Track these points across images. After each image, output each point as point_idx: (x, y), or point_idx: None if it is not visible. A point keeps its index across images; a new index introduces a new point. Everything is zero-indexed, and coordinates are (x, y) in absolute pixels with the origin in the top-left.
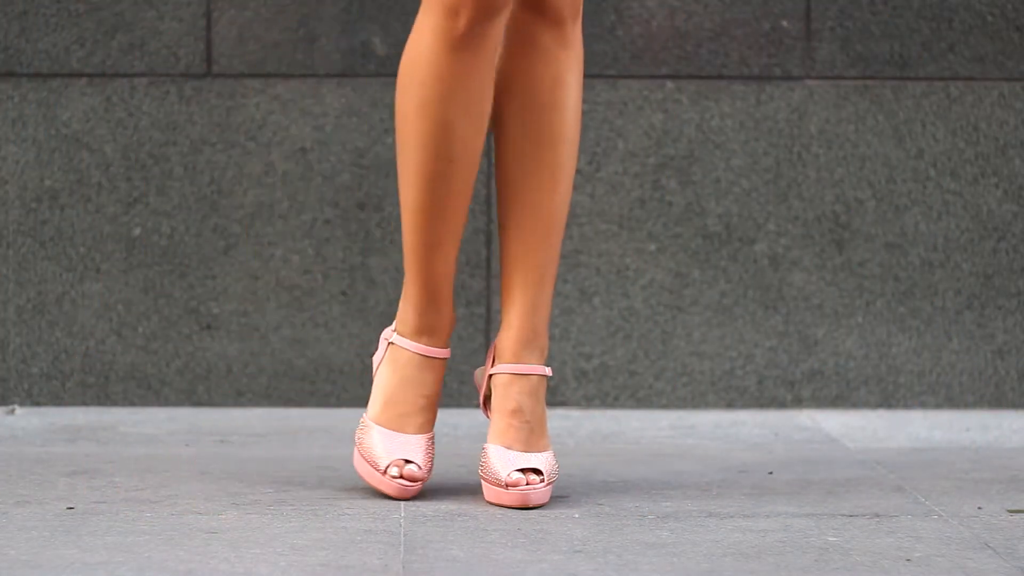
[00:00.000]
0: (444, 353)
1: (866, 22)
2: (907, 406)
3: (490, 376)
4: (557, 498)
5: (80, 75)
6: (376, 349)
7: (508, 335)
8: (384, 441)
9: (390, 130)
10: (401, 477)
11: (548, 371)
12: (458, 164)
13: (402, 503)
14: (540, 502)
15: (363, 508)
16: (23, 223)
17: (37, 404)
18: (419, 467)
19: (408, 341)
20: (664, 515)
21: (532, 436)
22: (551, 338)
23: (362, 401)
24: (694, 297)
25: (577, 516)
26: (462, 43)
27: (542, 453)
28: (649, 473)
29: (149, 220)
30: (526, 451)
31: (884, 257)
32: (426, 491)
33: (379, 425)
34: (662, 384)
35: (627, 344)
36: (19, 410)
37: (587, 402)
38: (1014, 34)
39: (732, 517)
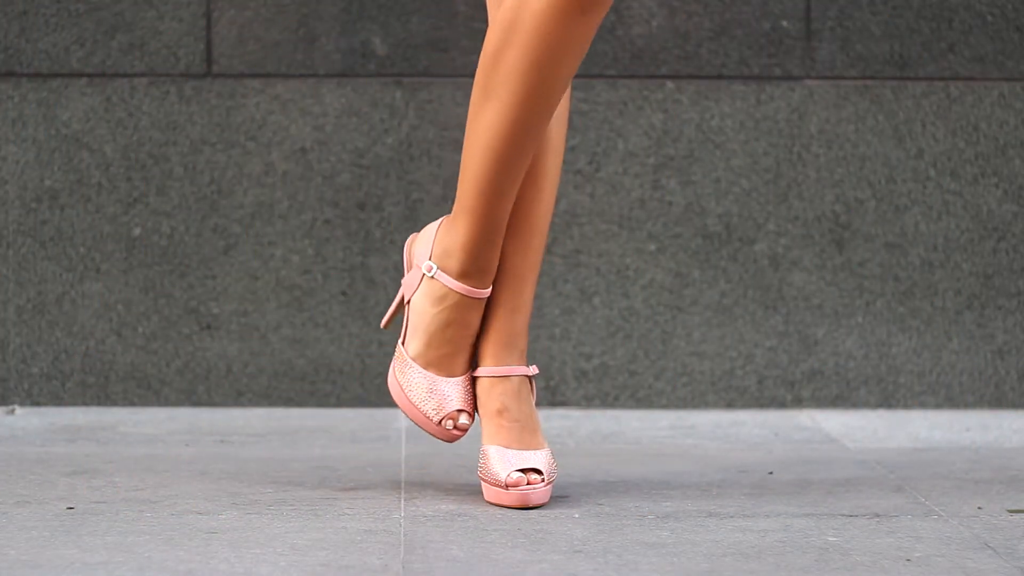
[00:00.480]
0: (488, 292)
1: (866, 22)
2: (907, 406)
3: (474, 380)
4: (557, 498)
5: (80, 75)
6: (405, 273)
7: (487, 338)
8: (433, 389)
9: (390, 130)
10: (455, 428)
11: (531, 370)
12: (549, 120)
13: (402, 503)
14: (540, 502)
15: (363, 508)
16: (23, 223)
17: (37, 404)
18: (470, 415)
19: (453, 281)
20: (664, 515)
21: (525, 434)
22: (551, 338)
23: (362, 401)
24: (694, 297)
25: (577, 516)
26: (590, 5)
27: (540, 451)
28: (649, 473)
29: (149, 220)
30: (523, 449)
31: (884, 257)
32: (426, 491)
33: (424, 368)
34: (662, 384)
35: (627, 344)
36: (19, 410)
37: (587, 402)
38: (1014, 34)
39: (732, 517)
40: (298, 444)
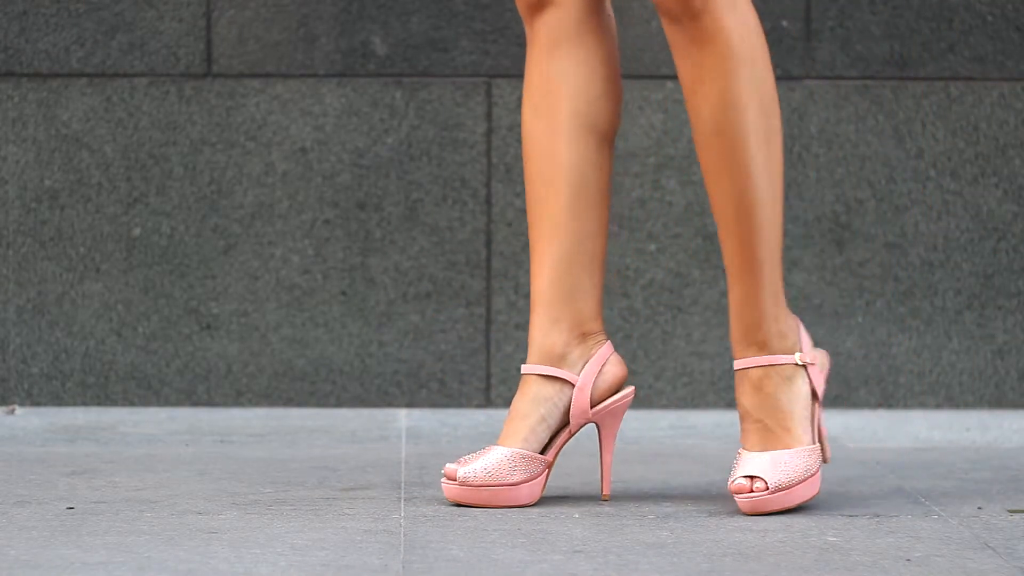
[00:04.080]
0: (528, 368)
1: (866, 22)
2: (907, 406)
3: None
4: (557, 498)
5: (80, 75)
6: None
7: (731, 335)
8: None
9: (390, 130)
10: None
11: (775, 360)
12: (532, 163)
13: (402, 503)
14: (763, 510)
15: (363, 508)
16: (23, 223)
17: (37, 404)
18: (455, 469)
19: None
20: (664, 515)
21: (768, 435)
22: None
23: (362, 401)
24: (694, 297)
25: (577, 516)
26: (528, 40)
27: (775, 452)
28: (649, 473)
29: (149, 220)
30: (761, 451)
31: (884, 257)
32: (426, 491)
33: None
34: (662, 384)
35: (627, 344)
36: (19, 410)
37: None
38: (1014, 34)
39: (732, 517)
40: (298, 444)
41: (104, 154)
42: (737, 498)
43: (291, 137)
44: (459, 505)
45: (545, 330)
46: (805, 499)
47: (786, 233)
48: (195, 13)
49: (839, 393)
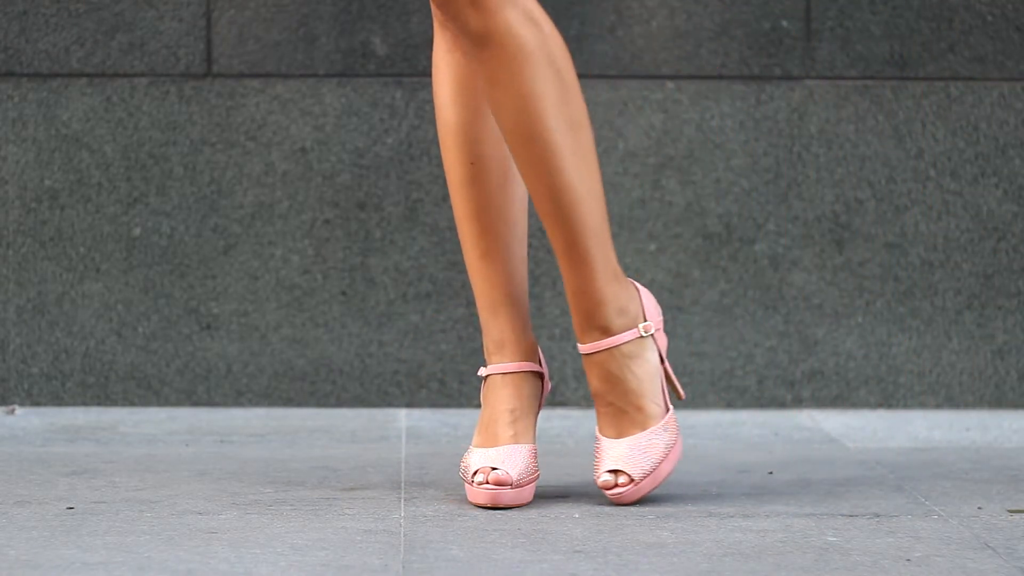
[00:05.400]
0: (518, 367)
1: (866, 22)
2: (907, 406)
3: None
4: (557, 498)
5: (80, 75)
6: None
7: (573, 320)
8: (475, 455)
9: (390, 130)
10: (487, 483)
11: (617, 340)
12: (480, 167)
13: (402, 503)
14: (630, 500)
15: (363, 508)
16: (23, 223)
17: (37, 404)
18: (506, 473)
19: (486, 368)
20: (664, 515)
21: (621, 418)
22: (551, 337)
23: (362, 401)
24: (694, 297)
25: (577, 516)
26: (453, 46)
27: (632, 438)
28: None
29: (149, 220)
30: (617, 437)
31: (884, 257)
32: (426, 491)
33: (475, 446)
34: None
35: None
36: (19, 410)
37: (587, 402)
38: (1014, 34)
39: (732, 517)
40: (298, 444)
41: (104, 154)
42: (606, 493)
43: (291, 137)
44: (495, 508)
45: (523, 327)
46: (670, 472)
47: (786, 233)
48: (195, 13)
49: (839, 393)
